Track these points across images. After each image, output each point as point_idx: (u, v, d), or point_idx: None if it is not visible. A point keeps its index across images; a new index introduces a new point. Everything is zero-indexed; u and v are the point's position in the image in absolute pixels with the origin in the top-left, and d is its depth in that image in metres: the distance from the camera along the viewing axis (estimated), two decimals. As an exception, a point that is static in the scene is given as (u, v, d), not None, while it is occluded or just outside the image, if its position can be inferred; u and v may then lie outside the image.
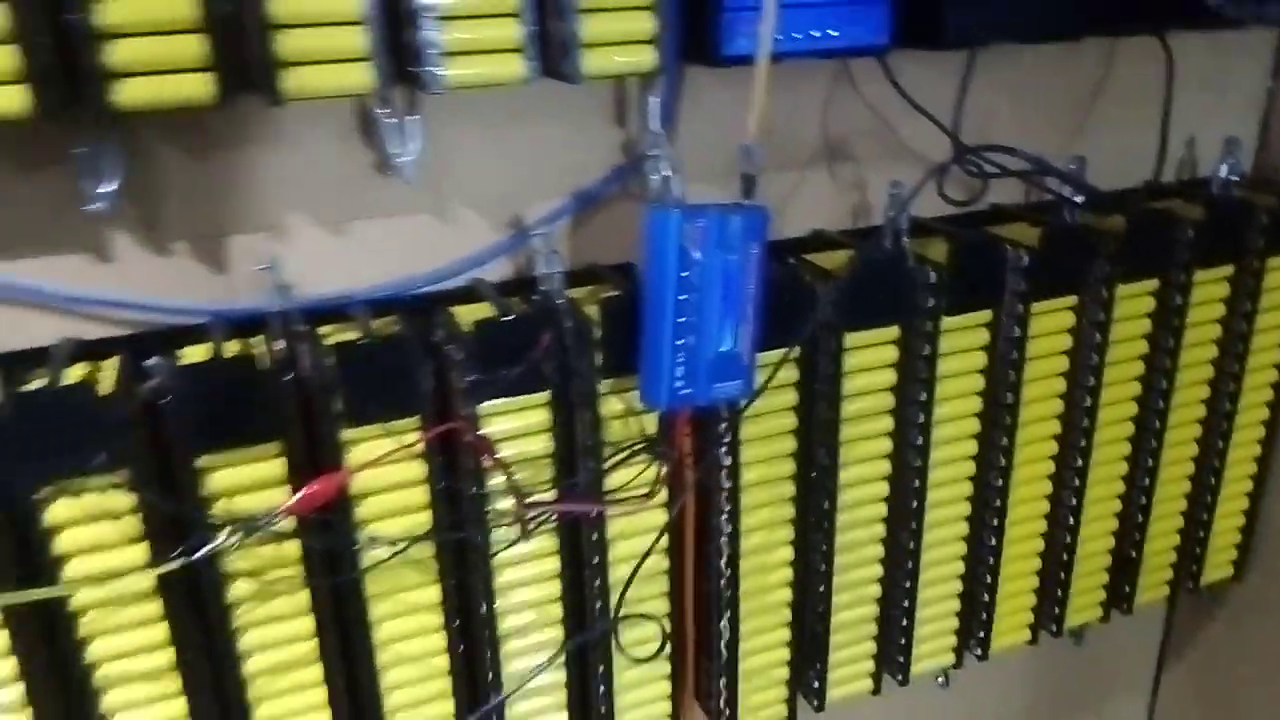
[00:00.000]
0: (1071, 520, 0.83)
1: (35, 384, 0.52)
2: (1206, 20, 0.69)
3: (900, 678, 0.82)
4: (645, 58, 0.55)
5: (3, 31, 0.43)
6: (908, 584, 0.78)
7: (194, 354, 0.55)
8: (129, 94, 0.45)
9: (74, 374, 0.53)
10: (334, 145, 0.57)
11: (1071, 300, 0.74)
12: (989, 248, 0.71)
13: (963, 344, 0.72)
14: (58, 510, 0.52)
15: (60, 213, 0.53)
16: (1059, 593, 0.86)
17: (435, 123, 0.56)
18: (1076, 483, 0.81)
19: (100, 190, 0.50)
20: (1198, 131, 0.83)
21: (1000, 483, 0.78)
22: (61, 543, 0.53)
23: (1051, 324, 0.74)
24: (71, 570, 0.53)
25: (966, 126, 0.72)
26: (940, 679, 0.88)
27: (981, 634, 0.84)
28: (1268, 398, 0.86)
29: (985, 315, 0.71)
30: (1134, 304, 0.76)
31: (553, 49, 0.53)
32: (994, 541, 0.80)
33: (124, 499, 0.53)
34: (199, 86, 0.46)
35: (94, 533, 0.53)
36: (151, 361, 0.55)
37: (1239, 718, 1.00)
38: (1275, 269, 0.81)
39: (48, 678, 0.55)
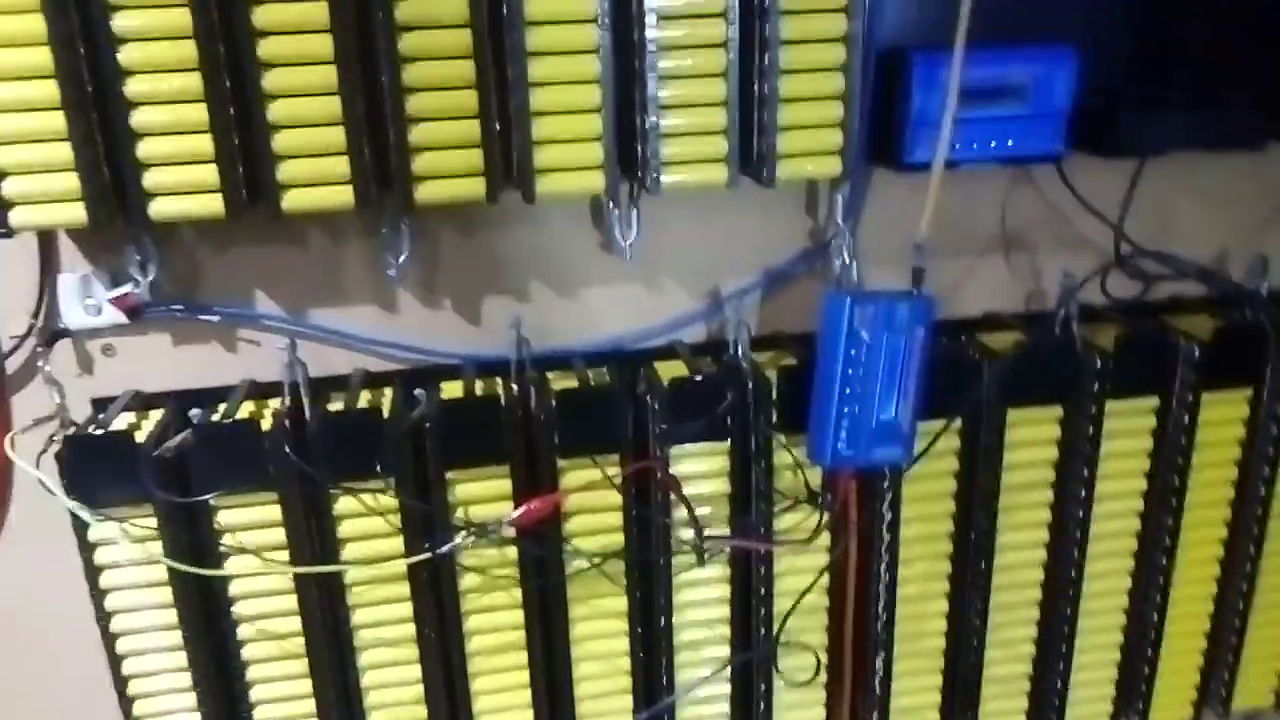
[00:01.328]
0: (1240, 598, 0.84)
1: (335, 405, 0.67)
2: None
3: (1053, 735, 0.86)
4: (832, 167, 0.65)
5: (340, 145, 0.58)
6: (1063, 648, 0.82)
7: (451, 389, 0.70)
8: (426, 193, 0.60)
9: (363, 399, 0.68)
10: (570, 229, 0.70)
11: (1246, 393, 0.77)
12: (1157, 338, 0.75)
13: (1129, 427, 0.76)
14: (343, 504, 0.67)
15: (365, 275, 0.69)
16: (1224, 672, 0.87)
17: (651, 212, 0.68)
18: (1247, 561, 0.83)
19: (396, 260, 0.65)
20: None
21: (1164, 562, 0.81)
22: (342, 529, 0.68)
23: (1222, 414, 0.77)
24: (348, 552, 0.68)
25: (1143, 225, 0.77)
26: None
27: (1141, 704, 0.87)
28: None
29: (1152, 402, 0.76)
30: (1312, 400, 0.78)
31: (753, 160, 0.64)
32: (1156, 614, 0.83)
33: (390, 500, 0.67)
34: (475, 187, 0.60)
35: (366, 524, 0.68)
36: (419, 393, 0.70)
37: None
38: None
39: (322, 635, 0.70)
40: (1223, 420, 0.78)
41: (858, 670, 0.80)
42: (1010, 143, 0.68)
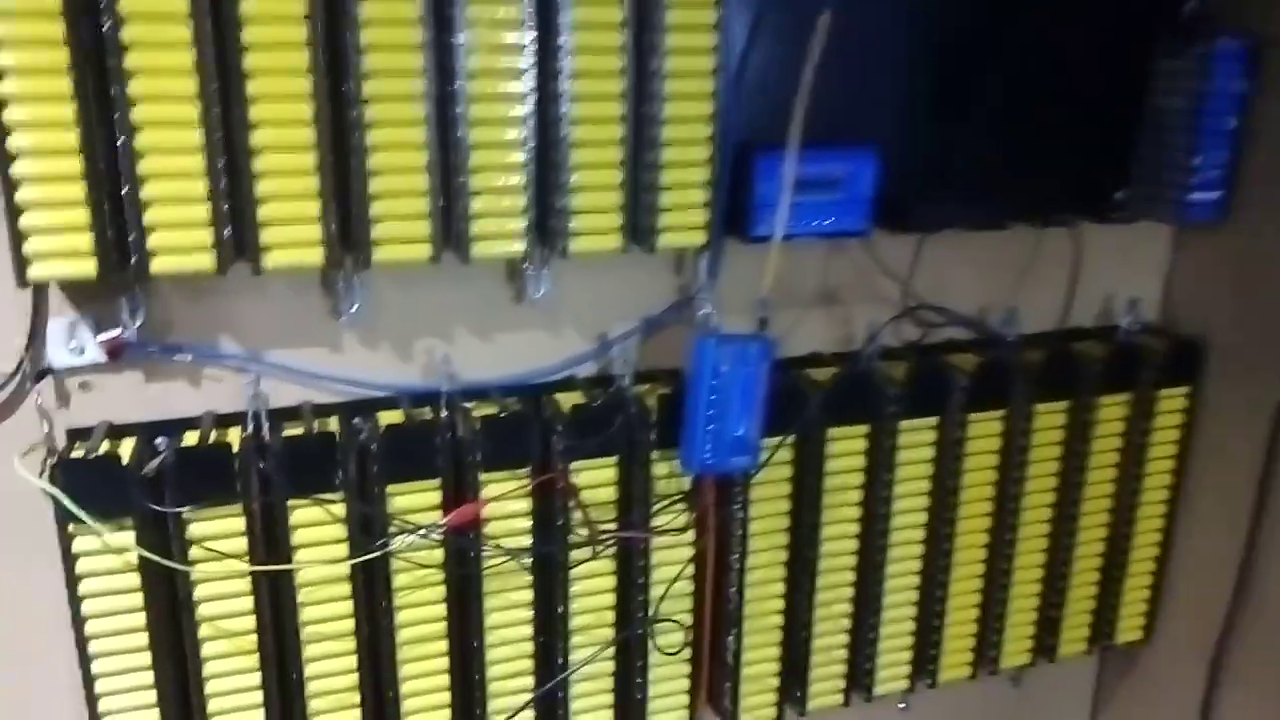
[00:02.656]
0: (1004, 579, 1.07)
1: (292, 431, 0.80)
2: (1112, 213, 0.98)
3: (865, 696, 1.07)
4: (698, 238, 0.83)
5: (315, 215, 0.72)
6: (872, 620, 1.03)
7: (388, 417, 0.84)
8: (381, 255, 0.75)
9: (318, 425, 0.81)
10: (490, 284, 0.86)
11: (1002, 413, 1.01)
12: (936, 372, 0.98)
13: (917, 440, 0.98)
14: (297, 515, 0.80)
15: (316, 320, 0.82)
16: (994, 638, 1.10)
17: (556, 270, 0.85)
18: (1008, 549, 1.06)
19: (348, 309, 0.80)
20: (1116, 290, 1.10)
21: (947, 545, 1.03)
22: (296, 537, 0.80)
23: (986, 430, 1.01)
24: (301, 555, 0.81)
25: (926, 285, 1.00)
26: (901, 704, 1.12)
27: (931, 667, 1.09)
28: (1164, 495, 1.11)
29: (934, 420, 0.98)
30: (1049, 419, 1.03)
31: (639, 232, 0.82)
32: (941, 592, 1.05)
33: (339, 508, 0.80)
34: (423, 252, 0.75)
35: (316, 533, 0.81)
36: (358, 420, 0.83)
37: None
38: (1166, 398, 1.07)
39: (274, 628, 0.82)
40: (986, 434, 1.01)
41: (715, 644, 0.98)
42: (829, 222, 0.89)
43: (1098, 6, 0.96)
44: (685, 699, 0.99)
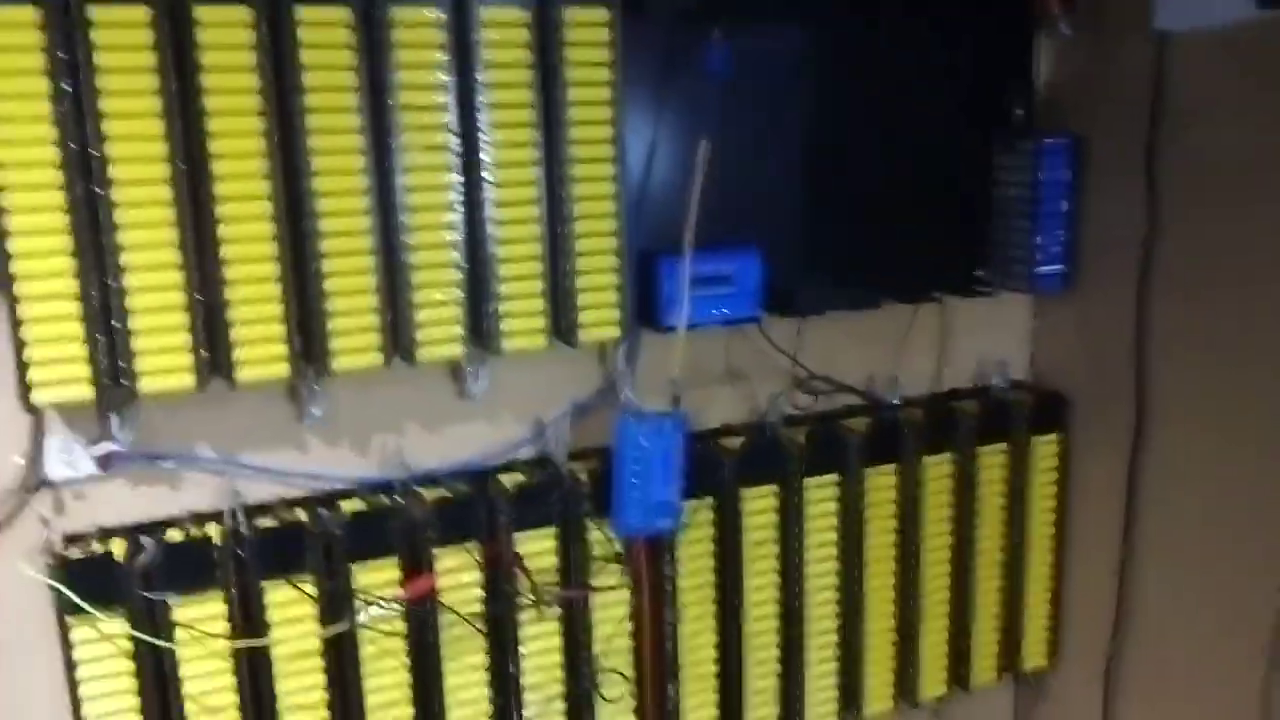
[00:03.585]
0: (914, 616, 1.20)
1: (265, 523, 0.91)
2: (974, 289, 1.14)
3: (798, 733, 1.18)
4: (614, 332, 0.97)
5: (281, 336, 0.85)
6: (798, 660, 1.15)
7: (349, 506, 0.95)
8: (340, 364, 0.87)
9: (284, 517, 0.92)
10: (435, 383, 0.99)
11: (893, 466, 1.15)
12: (833, 433, 1.12)
13: (822, 495, 1.12)
14: (274, 594, 0.90)
15: (284, 424, 0.94)
16: (911, 671, 1.22)
17: (493, 367, 0.98)
18: (915, 588, 1.19)
19: (311, 412, 0.92)
20: (986, 354, 1.25)
21: (859, 588, 1.16)
22: (273, 613, 0.91)
23: (882, 482, 1.14)
24: (276, 632, 0.91)
25: (818, 359, 1.14)
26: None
27: (857, 701, 1.20)
28: (1049, 532, 1.25)
29: (835, 477, 1.12)
30: (937, 469, 1.17)
31: (563, 330, 0.95)
32: (858, 631, 1.17)
33: (310, 587, 0.91)
34: (377, 359, 0.88)
35: (291, 610, 0.91)
36: (323, 510, 0.95)
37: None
38: (1038, 445, 1.22)
39: (254, 701, 0.91)
40: (882, 486, 1.15)
41: (658, 694, 1.09)
42: (725, 311, 1.03)
43: (943, 113, 1.14)
44: (633, 747, 1.09)
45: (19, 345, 0.79)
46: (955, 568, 1.22)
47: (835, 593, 1.16)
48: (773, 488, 1.09)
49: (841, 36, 1.08)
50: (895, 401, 1.17)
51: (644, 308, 1.01)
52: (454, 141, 0.88)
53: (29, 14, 0.75)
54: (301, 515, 0.94)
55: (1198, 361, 1.07)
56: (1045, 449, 1.23)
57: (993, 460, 1.21)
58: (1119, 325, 1.14)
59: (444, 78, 0.87)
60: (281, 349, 0.86)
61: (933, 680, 1.24)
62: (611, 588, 1.02)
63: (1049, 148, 1.13)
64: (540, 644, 1.02)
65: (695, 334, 1.02)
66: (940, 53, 1.13)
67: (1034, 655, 1.30)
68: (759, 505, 1.09)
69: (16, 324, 0.78)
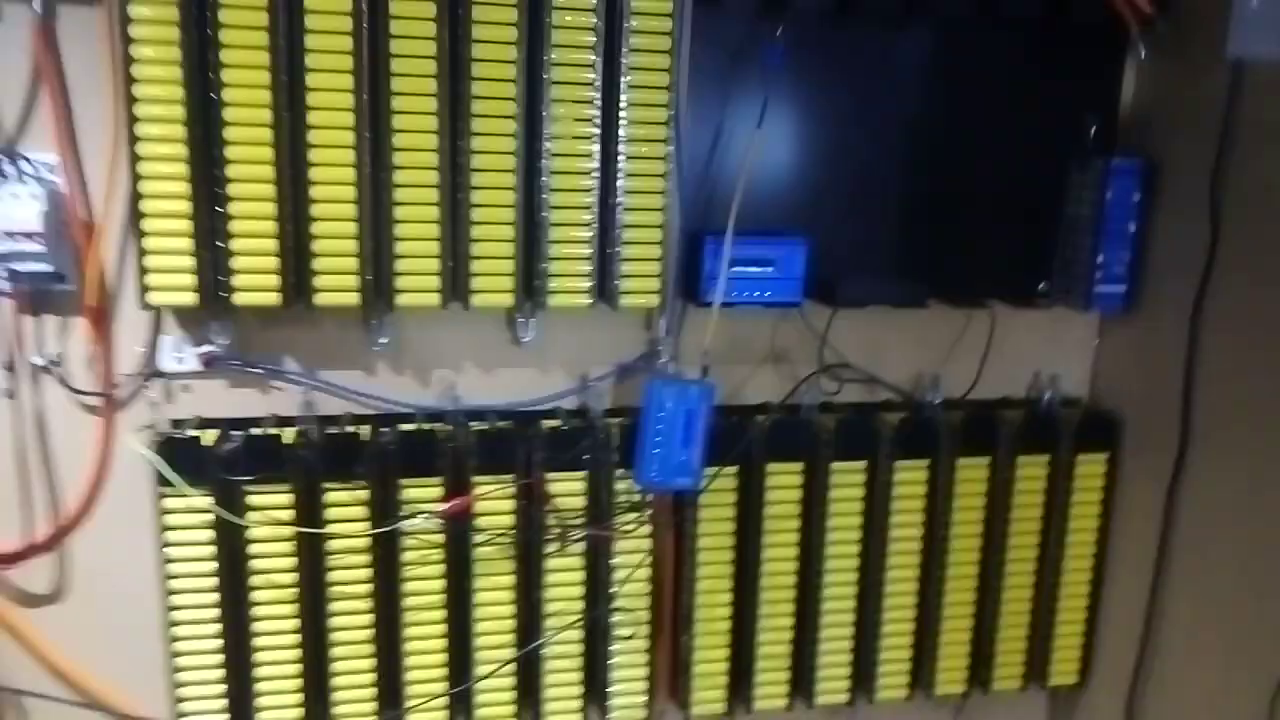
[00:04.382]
0: (935, 610, 1.24)
1: (333, 431, 1.05)
2: (1035, 301, 1.17)
3: (808, 703, 1.24)
4: (654, 301, 1.06)
5: (354, 268, 0.98)
6: (813, 634, 1.21)
7: (405, 427, 1.08)
8: (403, 301, 0.99)
9: (348, 429, 1.06)
10: (490, 328, 1.10)
11: (925, 463, 1.19)
12: (866, 422, 1.17)
13: (849, 480, 1.17)
14: (332, 495, 1.04)
15: (355, 349, 1.08)
16: (928, 663, 1.25)
17: (545, 321, 1.09)
18: (938, 584, 1.22)
19: (380, 340, 1.05)
20: (1042, 367, 1.27)
21: (879, 575, 1.21)
22: (331, 510, 1.05)
23: (912, 477, 1.19)
24: (332, 527, 1.05)
25: (860, 353, 1.19)
26: (847, 719, 1.28)
27: (869, 683, 1.25)
28: (1090, 551, 1.26)
29: (862, 464, 1.17)
30: (972, 472, 1.20)
31: (607, 292, 1.05)
32: (876, 616, 1.22)
33: (364, 494, 1.04)
34: (434, 299, 1.00)
35: (346, 511, 1.05)
36: (383, 430, 1.08)
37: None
38: (1085, 462, 1.23)
39: (309, 583, 1.06)
40: (912, 481, 1.19)
41: (674, 642, 1.18)
42: (767, 294, 1.10)
43: (1020, 126, 1.17)
44: (645, 684, 1.18)
45: (142, 255, 0.95)
46: (984, 571, 1.24)
47: (854, 574, 1.20)
48: (798, 465, 1.15)
49: (930, 43, 1.13)
50: (935, 401, 1.20)
51: (690, 284, 1.10)
52: (519, 114, 0.98)
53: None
54: (363, 430, 1.07)
55: (1245, 392, 1.07)
56: (1092, 467, 1.24)
57: (1034, 472, 1.22)
58: (1174, 350, 1.14)
59: (515, 54, 0.97)
60: (354, 281, 0.99)
61: (951, 676, 1.27)
62: (630, 533, 1.11)
63: (1120, 168, 1.14)
64: (563, 575, 1.12)
65: (742, 314, 1.10)
66: (1023, 68, 1.16)
67: (1064, 670, 1.30)
68: (783, 480, 1.15)
69: (141, 236, 0.94)
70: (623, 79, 1.00)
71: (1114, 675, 1.26)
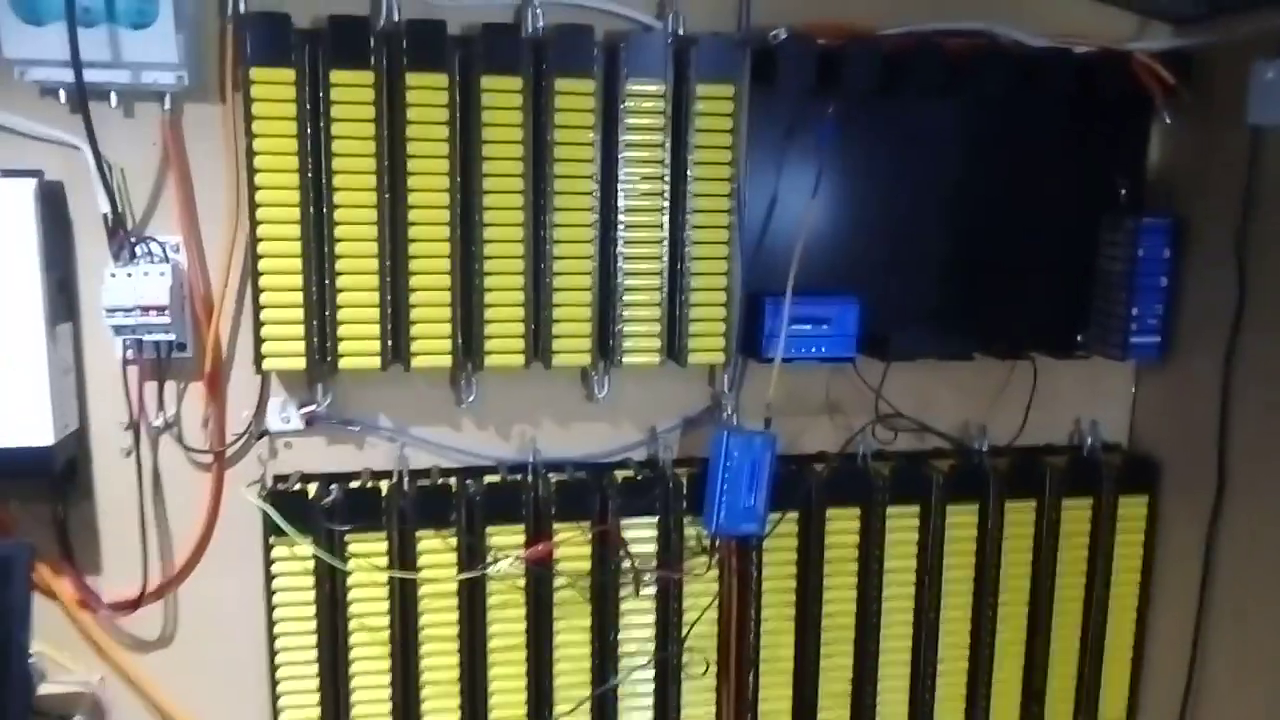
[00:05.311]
0: (988, 651, 1.29)
1: (424, 483, 1.14)
2: (1074, 352, 1.25)
3: (868, 742, 1.29)
4: (719, 357, 1.15)
5: (447, 333, 1.07)
6: (873, 673, 1.27)
7: (491, 478, 1.16)
8: (491, 361, 1.09)
9: (438, 481, 1.15)
10: (566, 385, 1.19)
11: (975, 506, 1.25)
12: (918, 468, 1.24)
13: (903, 525, 1.24)
14: (424, 543, 1.12)
15: (445, 407, 1.17)
16: (982, 703, 1.31)
17: (617, 378, 1.18)
18: (990, 624, 1.28)
19: (467, 399, 1.14)
20: (1082, 414, 1.34)
21: (934, 616, 1.27)
22: (423, 557, 1.13)
23: (963, 520, 1.25)
24: (424, 573, 1.13)
25: (911, 403, 1.27)
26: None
27: (924, 726, 1.31)
28: (1133, 591, 1.32)
29: (915, 509, 1.24)
30: (1020, 515, 1.27)
31: (676, 350, 1.14)
32: (931, 656, 1.28)
33: (451, 540, 1.13)
34: (518, 360, 1.09)
35: (434, 558, 1.13)
36: (470, 481, 1.16)
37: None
38: (1127, 505, 1.29)
39: (401, 625, 1.14)
40: (963, 524, 1.26)
41: (739, 680, 1.24)
42: (822, 349, 1.18)
43: (1056, 189, 1.25)
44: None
45: (258, 325, 1.04)
46: (1033, 611, 1.30)
47: (910, 615, 1.27)
48: (856, 510, 1.23)
49: (970, 115, 1.22)
50: (982, 449, 1.28)
51: (750, 341, 1.18)
52: (595, 191, 1.08)
53: (289, 74, 1.01)
54: (452, 481, 1.16)
55: (1277, 434, 1.13)
56: (1134, 509, 1.30)
57: (1078, 514, 1.29)
58: (1208, 396, 1.21)
59: (593, 137, 1.07)
60: (446, 344, 1.08)
61: (1004, 715, 1.32)
62: (699, 576, 1.18)
63: (1150, 226, 1.22)
64: (637, 618, 1.19)
65: (797, 369, 1.18)
66: (1057, 135, 1.24)
67: (1112, 710, 1.35)
68: (842, 526, 1.23)
69: (258, 309, 1.04)
70: (689, 156, 1.10)
71: (1160, 713, 1.31)
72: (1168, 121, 1.21)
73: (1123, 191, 1.25)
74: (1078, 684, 1.33)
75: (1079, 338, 1.28)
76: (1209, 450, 1.21)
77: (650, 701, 1.22)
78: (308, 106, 1.02)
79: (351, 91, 1.02)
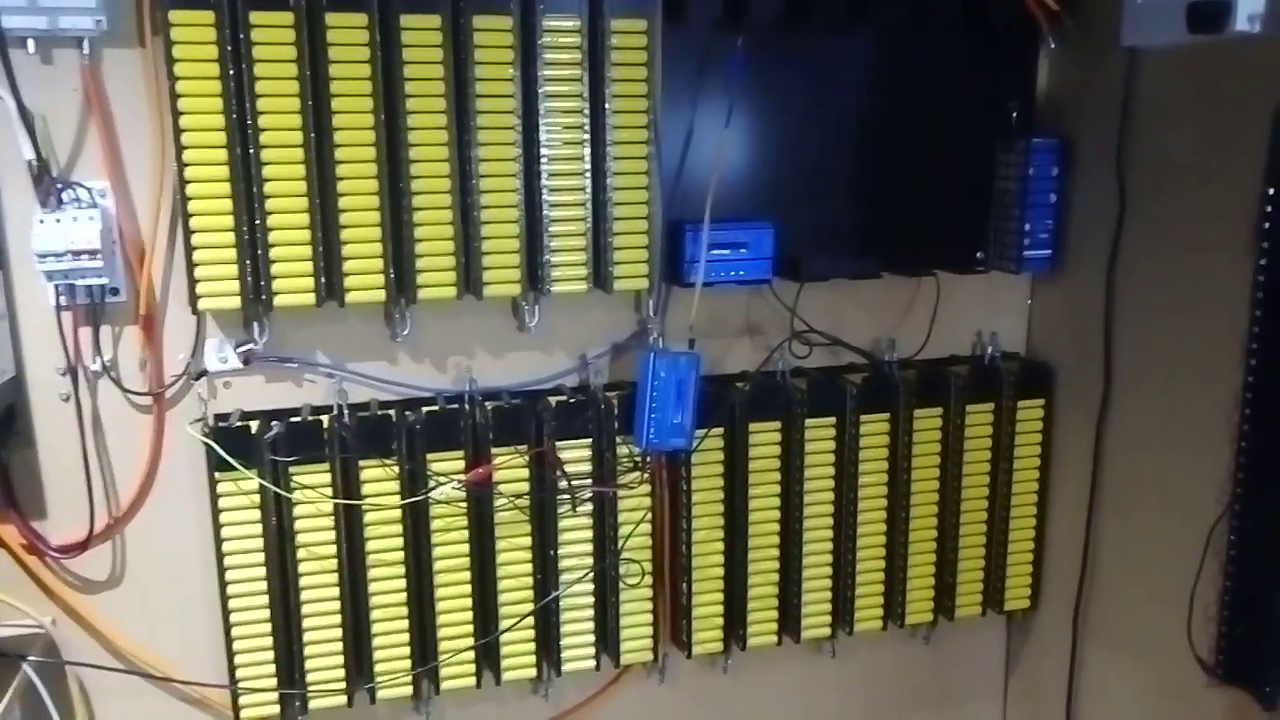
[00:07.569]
0: (902, 549, 1.39)
1: (363, 414, 1.18)
2: (974, 268, 1.33)
3: (795, 638, 1.38)
4: (643, 284, 1.20)
5: (380, 268, 1.11)
6: (796, 576, 1.36)
7: (428, 409, 1.21)
8: (423, 294, 1.13)
9: (377, 413, 1.19)
10: (499, 316, 1.24)
11: (886, 416, 1.34)
12: (833, 383, 1.32)
13: (821, 435, 1.32)
14: (367, 472, 1.17)
15: (381, 341, 1.20)
16: (899, 597, 1.41)
17: (547, 307, 1.23)
18: (904, 523, 1.38)
19: (401, 333, 1.18)
20: (983, 326, 1.43)
21: (852, 519, 1.36)
22: (365, 488, 1.17)
23: (875, 429, 1.34)
24: (368, 500, 1.17)
25: (824, 320, 1.34)
26: (829, 651, 1.43)
27: (848, 618, 1.40)
28: (1033, 488, 1.42)
29: (832, 420, 1.32)
30: (928, 422, 1.36)
31: (602, 278, 1.19)
32: (850, 557, 1.37)
33: (393, 468, 1.17)
34: (450, 292, 1.13)
35: (378, 486, 1.18)
36: (408, 412, 1.21)
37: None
38: (1025, 408, 1.39)
39: (348, 551, 1.18)
40: (876, 432, 1.34)
41: (673, 589, 1.32)
42: (741, 273, 1.24)
43: (952, 114, 1.32)
44: (650, 629, 1.32)
45: (191, 266, 1.07)
46: (942, 510, 1.40)
47: (829, 519, 1.36)
48: (776, 424, 1.30)
49: (871, 45, 1.29)
50: (892, 361, 1.36)
51: (673, 268, 1.24)
52: (518, 127, 1.12)
53: (208, 16, 1.02)
54: (391, 413, 1.20)
55: (1157, 337, 1.23)
56: (1031, 412, 1.40)
57: (981, 419, 1.39)
58: (1094, 306, 1.30)
59: (512, 73, 1.11)
60: (379, 279, 1.12)
61: (919, 607, 1.43)
62: (632, 491, 1.25)
63: (1039, 147, 1.30)
64: (575, 534, 1.26)
65: (718, 292, 1.24)
66: (952, 63, 1.31)
67: (1017, 596, 1.47)
68: (764, 439, 1.30)
69: (190, 250, 1.06)
70: (606, 90, 1.14)
71: (1061, 597, 1.42)
72: (1053, 46, 1.29)
73: (1014, 115, 1.33)
74: (984, 577, 1.44)
75: (979, 254, 1.37)
76: (1097, 355, 1.31)
77: (590, 612, 1.29)
78: (229, 48, 1.03)
79: (272, 32, 1.04)
